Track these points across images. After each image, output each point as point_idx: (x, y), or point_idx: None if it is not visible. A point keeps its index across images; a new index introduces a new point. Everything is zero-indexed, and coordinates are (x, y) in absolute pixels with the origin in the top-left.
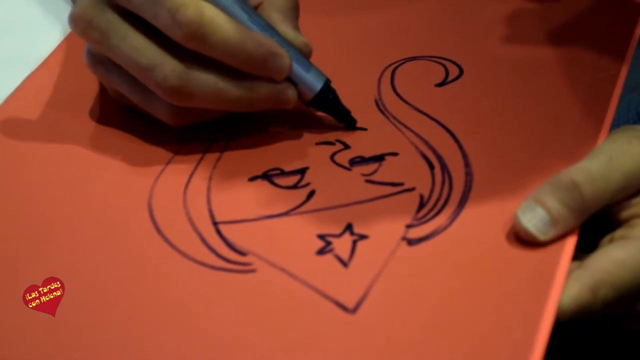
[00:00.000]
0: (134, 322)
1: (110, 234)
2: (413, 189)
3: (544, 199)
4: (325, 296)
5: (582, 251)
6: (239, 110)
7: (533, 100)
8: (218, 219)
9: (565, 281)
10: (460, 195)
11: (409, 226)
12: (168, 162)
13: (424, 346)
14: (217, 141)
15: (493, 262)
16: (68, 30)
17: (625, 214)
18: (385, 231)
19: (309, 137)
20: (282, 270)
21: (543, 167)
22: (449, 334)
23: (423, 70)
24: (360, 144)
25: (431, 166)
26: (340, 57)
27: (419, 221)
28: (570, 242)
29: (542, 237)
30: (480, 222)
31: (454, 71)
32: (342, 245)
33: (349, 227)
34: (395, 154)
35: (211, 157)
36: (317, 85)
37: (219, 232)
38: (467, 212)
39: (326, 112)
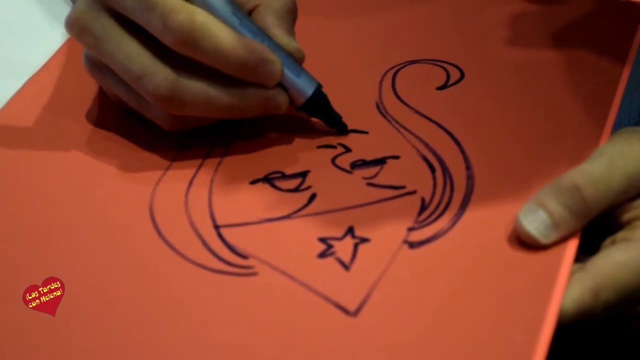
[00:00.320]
0: (135, 324)
1: (112, 237)
2: (414, 192)
3: (546, 202)
4: (327, 299)
5: (584, 253)
6: (231, 117)
7: (534, 102)
8: (219, 222)
9: (567, 284)
10: (462, 198)
11: (410, 229)
12: (169, 166)
13: (426, 349)
14: (218, 144)
15: (495, 265)
16: None
17: (627, 216)
18: (387, 234)
19: (310, 141)
20: (284, 273)
21: (544, 169)
22: (451, 336)
23: (424, 74)
24: (361, 147)
25: (432, 169)
26: (341, 60)
27: (421, 224)
28: (572, 245)
29: (544, 240)
30: (482, 225)
31: (455, 74)
32: (343, 248)
33: (350, 230)
34: (396, 157)
35: (212, 160)
36: (309, 90)
37: (220, 236)
38: (469, 215)
39: (317, 117)
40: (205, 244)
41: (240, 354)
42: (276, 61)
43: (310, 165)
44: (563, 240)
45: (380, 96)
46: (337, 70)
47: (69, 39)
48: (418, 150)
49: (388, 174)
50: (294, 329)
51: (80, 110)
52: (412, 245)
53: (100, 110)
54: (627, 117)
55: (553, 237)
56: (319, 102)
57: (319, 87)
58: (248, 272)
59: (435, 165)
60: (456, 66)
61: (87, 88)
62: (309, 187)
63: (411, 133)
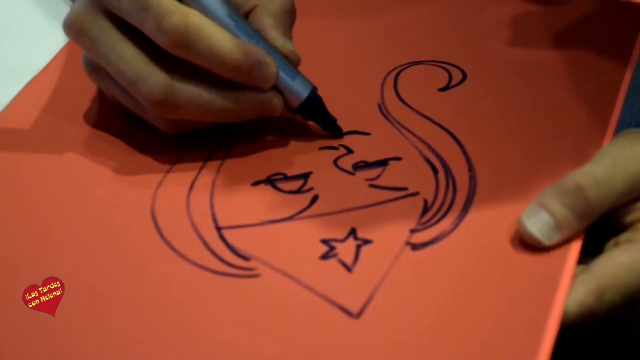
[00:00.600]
0: (136, 325)
1: (113, 238)
2: (417, 193)
3: (549, 204)
4: (330, 301)
5: (587, 255)
6: (226, 121)
7: (537, 104)
8: (221, 224)
9: (570, 286)
10: (465, 200)
11: (413, 231)
12: (171, 168)
13: (429, 351)
14: (220, 146)
15: (498, 267)
16: None
17: (630, 217)
18: (390, 236)
19: (312, 142)
20: (286, 275)
21: (547, 171)
22: (454, 339)
23: (426, 75)
24: (363, 148)
25: (435, 171)
26: (343, 62)
27: (423, 226)
28: (576, 247)
29: (547, 241)
30: (485, 227)
31: (457, 76)
32: (346, 250)
33: (353, 232)
34: (399, 159)
35: (214, 162)
36: (304, 93)
37: (222, 238)
38: (472, 217)
39: (313, 120)
40: (207, 245)
41: (242, 356)
42: (271, 64)
43: (312, 166)
44: (566, 242)
45: (382, 97)
46: (340, 72)
47: (69, 41)
48: (420, 152)
49: (390, 176)
50: (297, 331)
51: (81, 112)
52: (415, 247)
53: (101, 112)
54: (629, 119)
55: (556, 238)
56: (314, 105)
57: (314, 90)
58: (250, 274)
59: (438, 166)
60: (458, 67)
61: (88, 91)
62: (311, 189)
63: (413, 134)
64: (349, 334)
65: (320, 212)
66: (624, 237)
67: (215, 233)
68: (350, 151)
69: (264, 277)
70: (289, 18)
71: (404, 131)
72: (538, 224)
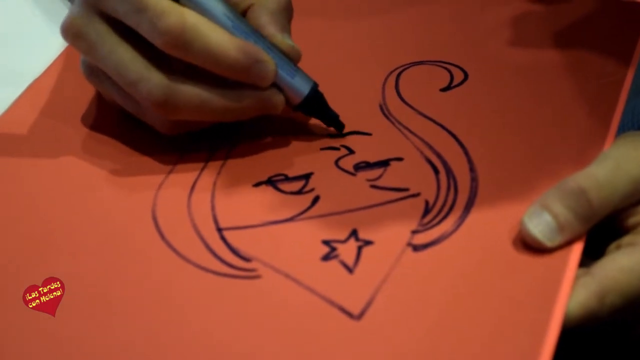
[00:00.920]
0: (136, 325)
1: (113, 239)
2: (418, 194)
3: (551, 205)
4: (331, 302)
5: (589, 257)
6: (227, 120)
7: (538, 104)
8: (222, 225)
9: (572, 288)
10: (466, 200)
11: (414, 232)
12: (172, 169)
13: (430, 352)
14: (220, 147)
15: (499, 268)
16: None
17: (632, 220)
18: (391, 237)
19: (313, 143)
20: (287, 276)
21: (549, 172)
22: (455, 340)
23: (427, 75)
24: (364, 149)
25: (436, 171)
26: (344, 62)
27: (425, 227)
28: (577, 249)
29: (548, 243)
30: (486, 228)
31: (458, 76)
32: (347, 251)
33: (354, 233)
34: (400, 159)
35: (215, 163)
36: (305, 90)
37: (223, 238)
38: (473, 218)
39: (314, 116)
40: (208, 246)
41: (243, 357)
42: (269, 61)
43: (313, 167)
44: (568, 243)
45: (383, 98)
46: (341, 72)
47: (69, 44)
48: (422, 152)
49: (391, 176)
50: (297, 331)
51: (81, 115)
52: (416, 248)
53: (101, 115)
54: (631, 121)
55: (558, 240)
56: (315, 102)
57: (315, 87)
58: (251, 274)
59: (439, 167)
60: (460, 67)
61: (88, 93)
62: (312, 190)
63: (415, 135)
64: (350, 335)
65: (321, 213)
66: (626, 239)
67: (216, 234)
68: (351, 151)
69: (265, 278)
70: (285, 14)
71: (405, 131)
72: (540, 225)
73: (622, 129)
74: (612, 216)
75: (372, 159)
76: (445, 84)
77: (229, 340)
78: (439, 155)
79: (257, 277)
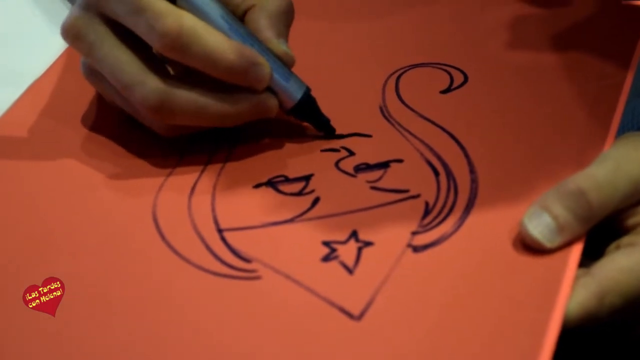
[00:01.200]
0: (136, 326)
1: (113, 239)
2: (418, 195)
3: (551, 206)
4: (331, 303)
5: (588, 258)
6: (222, 126)
7: (538, 106)
8: (223, 226)
9: (571, 288)
10: (466, 202)
11: (414, 233)
12: (172, 170)
13: (430, 353)
14: (221, 148)
15: (499, 269)
16: None
17: (631, 221)
18: (391, 238)
19: (313, 144)
20: (287, 277)
21: (548, 173)
22: (455, 340)
23: (427, 77)
24: (365, 150)
25: (436, 173)
26: (344, 64)
27: (425, 228)
28: (577, 249)
29: (548, 244)
30: (486, 229)
31: (458, 78)
32: (347, 252)
33: (354, 234)
34: (400, 161)
35: (215, 164)
36: (297, 94)
37: (223, 240)
38: (473, 219)
39: (306, 120)
40: (208, 247)
41: (243, 358)
42: (265, 64)
43: (313, 168)
44: (568, 244)
45: (383, 100)
46: (341, 74)
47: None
48: (422, 154)
49: (392, 178)
50: (298, 332)
51: (82, 116)
52: (416, 249)
53: (101, 116)
54: (630, 122)
55: (558, 241)
56: (308, 106)
57: (307, 91)
58: (251, 275)
59: (439, 169)
60: (460, 70)
61: (88, 94)
62: (312, 191)
63: (415, 137)
64: (350, 335)
65: (322, 214)
66: (625, 240)
67: (216, 235)
68: (351, 153)
69: (265, 279)
70: (285, 18)
71: (405, 133)
72: (539, 226)
73: (622, 130)
74: (612, 217)
75: (372, 160)
76: (445, 86)
77: (229, 340)
78: (439, 157)
79: (258, 278)
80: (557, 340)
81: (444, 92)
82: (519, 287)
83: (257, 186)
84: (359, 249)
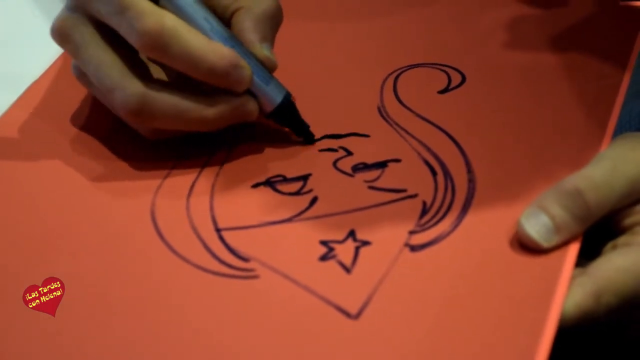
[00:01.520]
0: (135, 325)
1: (113, 239)
2: (416, 195)
3: (548, 206)
4: (328, 302)
5: (585, 258)
6: (203, 130)
7: (535, 106)
8: (221, 225)
9: (568, 287)
10: (463, 201)
11: (411, 232)
12: (171, 170)
13: (427, 352)
14: (219, 148)
15: (496, 269)
16: None
17: (628, 221)
18: (388, 237)
19: (311, 144)
20: (285, 276)
21: (545, 173)
22: (452, 340)
23: (425, 78)
24: (363, 150)
25: (434, 172)
26: (343, 63)
27: (422, 227)
28: (573, 249)
29: (545, 243)
30: (483, 229)
31: (456, 78)
32: (344, 251)
33: (351, 234)
34: (398, 161)
35: (214, 164)
36: (277, 98)
37: (221, 239)
38: (470, 219)
39: (285, 125)
40: (206, 246)
41: (241, 356)
42: (246, 67)
43: (311, 168)
44: (564, 244)
45: (381, 100)
46: (339, 74)
47: None
48: (419, 154)
49: (389, 177)
50: (295, 331)
51: (80, 117)
52: (414, 248)
53: (100, 117)
54: (628, 123)
55: (555, 241)
56: (287, 110)
57: (287, 96)
58: (249, 275)
59: (437, 168)
60: (457, 70)
61: (86, 96)
62: (310, 191)
63: (412, 136)
64: (347, 334)
65: (319, 214)
66: (622, 240)
67: (214, 234)
68: (349, 153)
69: (263, 278)
70: (271, 22)
71: (402, 133)
72: (536, 226)
73: (620, 131)
74: (609, 217)
75: (370, 160)
76: (443, 86)
77: (227, 339)
78: (436, 157)
79: (256, 277)
80: (554, 340)
81: (441, 92)
82: (516, 287)
83: (255, 186)
84: (357, 249)
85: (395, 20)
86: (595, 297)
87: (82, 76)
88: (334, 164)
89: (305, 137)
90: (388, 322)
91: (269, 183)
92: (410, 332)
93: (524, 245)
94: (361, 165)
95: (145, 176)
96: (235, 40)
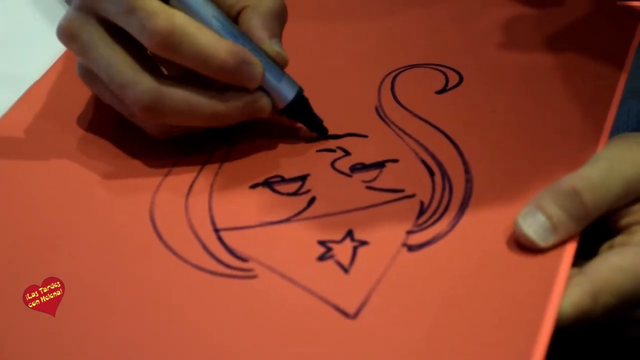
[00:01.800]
0: (135, 325)
1: (112, 239)
2: (413, 195)
3: (545, 206)
4: (326, 302)
5: (582, 258)
6: (215, 125)
7: (533, 107)
8: (219, 225)
9: (565, 287)
10: (461, 201)
11: (409, 232)
12: (169, 171)
13: (424, 352)
14: (218, 149)
15: (493, 268)
16: None
17: (625, 221)
18: (386, 237)
19: (309, 144)
20: (283, 276)
21: (543, 173)
22: (450, 339)
23: (423, 78)
24: (360, 150)
25: (431, 173)
26: (340, 64)
27: (419, 227)
28: (570, 249)
29: (542, 243)
30: (481, 229)
31: (453, 78)
32: (342, 251)
33: (349, 234)
34: (395, 161)
35: (212, 164)
36: (290, 94)
37: (220, 239)
38: (467, 219)
39: (299, 121)
40: (205, 247)
41: (239, 356)
42: (257, 64)
43: (309, 168)
44: (561, 244)
45: (379, 100)
46: (337, 74)
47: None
48: (417, 154)
49: (387, 178)
50: (293, 331)
51: (80, 118)
52: (411, 248)
53: (99, 117)
54: (625, 123)
55: (552, 240)
56: (300, 106)
57: (300, 91)
58: (248, 274)
59: (434, 168)
60: (455, 70)
61: (87, 96)
62: (308, 191)
63: (410, 137)
64: (345, 334)
65: (317, 214)
66: (618, 239)
67: (213, 234)
68: (347, 153)
69: (261, 278)
70: (277, 19)
71: (400, 133)
72: (533, 226)
73: (617, 132)
74: (605, 217)
75: (368, 160)
76: (440, 86)
77: (225, 339)
78: (434, 157)
79: (254, 277)
80: (551, 339)
81: (439, 92)
82: (513, 286)
83: (254, 186)
84: (355, 248)
85: (393, 20)
86: (593, 296)
87: (87, 76)
88: (332, 164)
89: (319, 132)
90: (386, 321)
91: (267, 183)
92: (408, 331)
93: (521, 245)
94: (359, 166)
95: (144, 176)
96: (245, 37)
